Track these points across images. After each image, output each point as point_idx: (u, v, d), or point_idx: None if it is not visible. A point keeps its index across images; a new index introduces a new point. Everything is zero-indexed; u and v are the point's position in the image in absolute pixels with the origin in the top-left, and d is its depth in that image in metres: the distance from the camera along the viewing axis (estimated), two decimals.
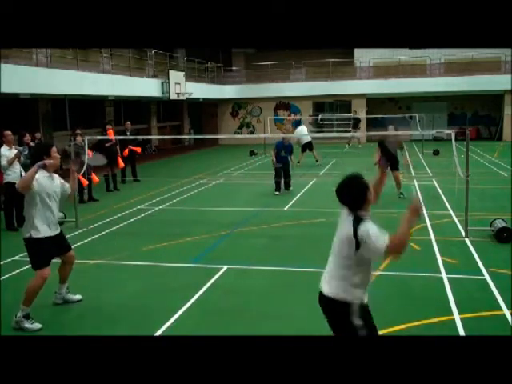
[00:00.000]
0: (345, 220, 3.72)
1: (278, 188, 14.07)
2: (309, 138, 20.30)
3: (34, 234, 5.65)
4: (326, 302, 3.75)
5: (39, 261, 5.69)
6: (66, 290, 6.40)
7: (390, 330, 5.35)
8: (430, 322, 5.56)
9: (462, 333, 5.26)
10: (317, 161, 20.79)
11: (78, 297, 6.45)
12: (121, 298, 6.54)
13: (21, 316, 5.60)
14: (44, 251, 5.71)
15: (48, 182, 5.76)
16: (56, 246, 5.92)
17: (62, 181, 6.12)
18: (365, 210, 3.71)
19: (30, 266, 5.96)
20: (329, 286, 3.75)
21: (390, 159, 12.32)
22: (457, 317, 5.65)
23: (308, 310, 5.97)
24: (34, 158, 5.90)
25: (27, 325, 5.59)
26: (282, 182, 14.25)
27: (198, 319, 5.85)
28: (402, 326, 5.44)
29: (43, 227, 5.69)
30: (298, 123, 22.31)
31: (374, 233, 3.50)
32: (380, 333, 5.25)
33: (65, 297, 6.36)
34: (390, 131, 13.23)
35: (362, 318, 3.62)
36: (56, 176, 6.01)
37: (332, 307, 3.73)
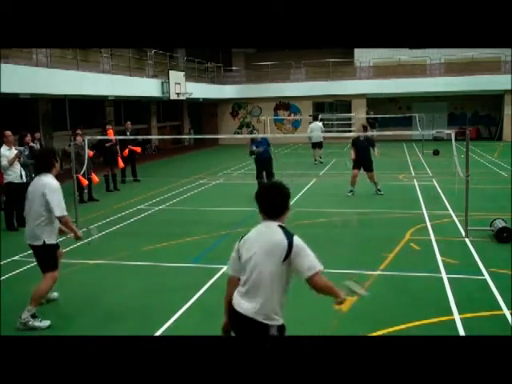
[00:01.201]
0: (263, 232, 3.61)
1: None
2: (318, 139, 20.16)
3: (48, 240, 5.81)
4: (246, 322, 3.44)
5: (53, 263, 5.88)
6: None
7: (390, 330, 5.35)
8: (429, 322, 5.56)
9: (462, 333, 5.26)
10: (315, 160, 20.79)
11: (56, 294, 6.47)
12: (121, 298, 6.54)
13: (28, 316, 5.66)
14: (53, 254, 5.92)
15: None
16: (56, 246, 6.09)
17: None
18: (284, 219, 3.68)
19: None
20: (251, 306, 3.45)
21: (363, 160, 13.03)
22: (457, 317, 5.65)
23: (308, 310, 5.97)
24: (41, 164, 5.93)
25: (36, 323, 5.67)
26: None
27: (198, 319, 5.86)
28: (402, 326, 5.44)
29: (54, 231, 5.92)
30: (315, 118, 21.98)
31: (310, 253, 3.49)
32: (380, 333, 5.28)
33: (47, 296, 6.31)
34: (361, 131, 13.80)
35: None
36: None
37: (252, 328, 3.42)
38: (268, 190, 3.75)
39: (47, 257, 5.85)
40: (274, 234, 3.54)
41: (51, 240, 5.84)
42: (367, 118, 28.65)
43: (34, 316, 5.70)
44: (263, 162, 12.99)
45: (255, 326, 3.38)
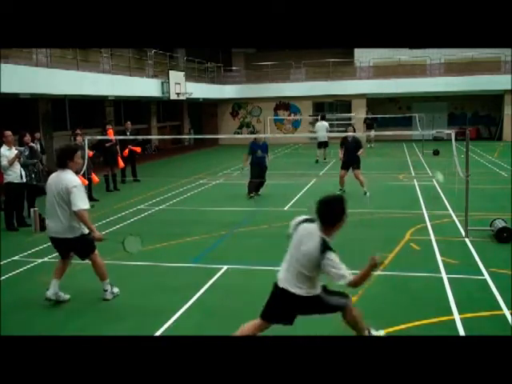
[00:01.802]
0: (308, 236, 4.18)
1: (250, 190, 13.15)
2: (324, 139, 20.25)
3: (84, 230, 6.14)
4: (294, 298, 4.26)
5: (93, 247, 6.29)
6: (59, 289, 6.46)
7: (390, 330, 5.35)
8: (429, 322, 5.56)
9: (462, 333, 5.26)
10: (317, 160, 20.81)
11: (68, 296, 6.51)
12: (121, 298, 6.54)
13: (108, 286, 6.43)
14: (91, 239, 6.27)
15: None
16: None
17: None
18: (335, 230, 4.21)
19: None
20: (295, 288, 4.24)
21: (351, 160, 13.14)
22: (457, 317, 5.65)
23: None
24: (58, 161, 6.17)
25: (115, 290, 6.54)
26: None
27: (198, 319, 5.85)
28: (402, 326, 5.44)
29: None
30: (323, 117, 22.29)
31: (338, 265, 4.05)
32: None
33: (58, 294, 6.38)
34: (349, 132, 14.00)
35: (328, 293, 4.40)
36: None
37: (303, 302, 4.28)
38: (324, 203, 4.20)
39: (87, 245, 6.21)
40: (313, 242, 4.12)
41: (85, 230, 6.12)
42: (365, 119, 28.67)
43: (112, 285, 6.48)
44: (261, 168, 13.34)
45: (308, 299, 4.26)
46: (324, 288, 4.44)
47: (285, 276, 4.33)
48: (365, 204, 12.07)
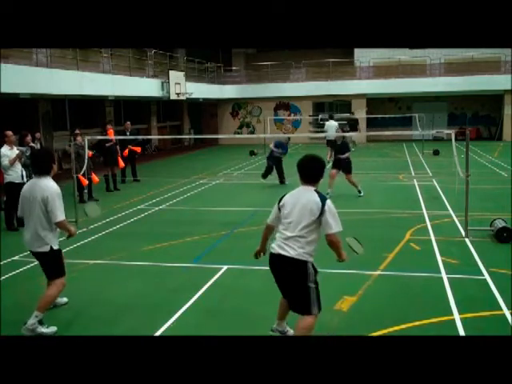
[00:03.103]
0: (302, 195, 4.56)
1: (265, 174, 15.36)
2: (332, 137, 20.42)
3: (56, 245, 5.66)
4: (287, 261, 4.50)
5: (61, 269, 5.75)
6: None
7: (390, 330, 5.35)
8: (429, 321, 5.56)
9: (462, 333, 5.26)
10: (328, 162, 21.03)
11: (65, 299, 6.34)
12: (121, 298, 6.54)
13: (35, 322, 5.48)
14: (62, 259, 5.81)
15: None
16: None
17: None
18: (317, 185, 4.68)
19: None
20: (290, 250, 4.49)
21: (340, 162, 12.98)
22: (457, 317, 5.65)
23: None
24: (43, 166, 5.63)
25: (44, 329, 5.50)
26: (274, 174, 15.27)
27: (198, 319, 5.85)
28: (402, 326, 5.44)
29: (57, 235, 5.74)
30: (331, 117, 22.82)
31: (336, 216, 4.48)
32: (380, 333, 5.28)
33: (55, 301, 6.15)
34: (339, 133, 14.15)
35: (315, 280, 4.58)
36: None
37: (293, 266, 4.50)
38: (309, 161, 4.68)
39: (56, 263, 5.68)
40: (313, 195, 4.51)
41: (57, 245, 5.66)
42: (348, 120, 28.64)
43: (40, 322, 5.53)
44: (277, 161, 15.35)
45: (297, 262, 4.49)
46: (315, 275, 4.61)
47: (279, 244, 4.59)
48: (361, 203, 12.08)
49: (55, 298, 5.81)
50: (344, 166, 13.03)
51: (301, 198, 4.54)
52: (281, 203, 4.69)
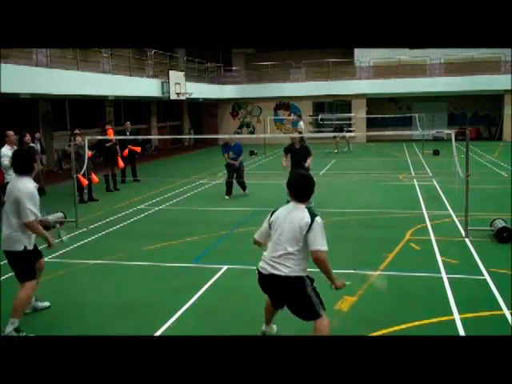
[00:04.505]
0: (292, 212, 4.49)
1: (228, 191, 13.27)
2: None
3: (28, 246, 5.46)
4: (282, 280, 4.43)
5: (31, 272, 5.53)
6: (35, 298, 6.08)
7: (390, 330, 5.35)
8: (429, 321, 5.56)
9: (462, 333, 5.26)
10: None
11: (47, 304, 6.16)
12: (121, 298, 6.54)
13: (11, 330, 5.32)
14: (33, 261, 5.60)
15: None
16: (35, 253, 5.75)
17: None
18: (307, 203, 4.61)
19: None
20: (283, 268, 4.42)
21: (295, 166, 10.77)
22: (457, 317, 5.65)
23: None
24: (23, 166, 5.47)
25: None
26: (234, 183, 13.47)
27: (198, 319, 5.85)
28: (402, 326, 5.44)
29: (32, 237, 5.53)
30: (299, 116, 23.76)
31: (323, 233, 4.41)
32: (380, 333, 5.28)
33: (34, 305, 6.07)
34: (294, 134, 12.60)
35: (312, 288, 4.53)
36: None
37: (290, 284, 4.44)
38: (298, 179, 4.69)
39: (25, 265, 5.47)
40: (303, 212, 4.46)
41: (30, 246, 5.46)
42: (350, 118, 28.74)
43: (17, 330, 5.34)
44: (233, 168, 13.37)
45: (293, 279, 4.43)
46: (312, 284, 4.56)
47: (270, 264, 4.51)
48: (361, 203, 12.08)
49: (27, 302, 5.56)
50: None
51: (291, 216, 4.47)
52: (271, 219, 4.62)
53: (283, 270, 4.41)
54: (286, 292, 4.53)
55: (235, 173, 13.44)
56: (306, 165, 10.98)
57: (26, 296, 5.48)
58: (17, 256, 5.42)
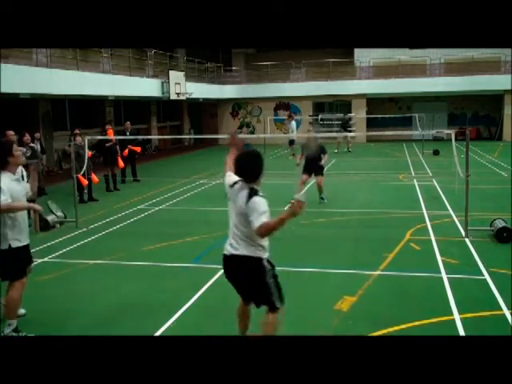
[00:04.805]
0: (239, 192, 4.31)
1: None
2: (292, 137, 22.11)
3: (15, 244, 5.27)
4: (240, 260, 4.37)
5: (20, 271, 5.38)
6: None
7: (390, 330, 5.35)
8: (429, 321, 5.56)
9: (462, 333, 5.26)
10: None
11: (22, 311, 5.82)
12: (121, 298, 6.54)
13: (10, 331, 5.26)
14: (23, 260, 5.46)
15: (17, 187, 5.34)
16: (28, 255, 5.61)
17: (24, 182, 5.83)
18: (259, 182, 4.37)
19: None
20: (241, 248, 4.35)
21: (311, 166, 12.01)
22: (457, 317, 5.65)
23: (308, 310, 5.98)
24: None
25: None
26: None
27: (198, 319, 5.85)
28: (402, 326, 5.44)
29: (21, 235, 5.36)
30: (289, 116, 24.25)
31: (258, 210, 4.13)
32: (380, 333, 5.28)
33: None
34: (310, 134, 12.93)
35: (269, 270, 4.44)
36: (20, 177, 5.67)
37: (247, 264, 4.37)
38: (246, 159, 4.38)
39: (14, 262, 5.29)
40: (245, 192, 4.27)
41: (17, 243, 5.28)
42: (350, 118, 28.67)
43: (16, 330, 5.29)
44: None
45: (251, 261, 4.37)
46: (273, 272, 4.50)
47: (231, 243, 4.46)
48: (361, 203, 12.07)
49: (18, 301, 5.40)
50: (319, 169, 12.18)
51: (237, 196, 4.35)
52: (228, 190, 4.53)
53: (242, 251, 4.35)
54: (245, 275, 4.46)
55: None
56: (323, 162, 12.11)
57: (17, 295, 5.35)
58: (2, 254, 5.25)
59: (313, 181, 13.02)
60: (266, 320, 4.53)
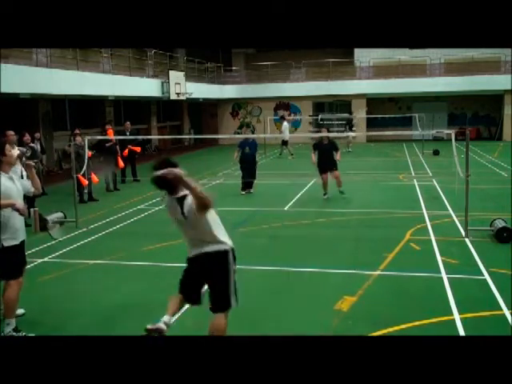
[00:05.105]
0: (173, 202, 4.51)
1: (244, 187, 13.83)
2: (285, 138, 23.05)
3: (10, 242, 5.24)
4: (211, 256, 4.63)
5: (15, 270, 5.33)
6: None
7: (390, 330, 5.35)
8: (429, 321, 5.56)
9: (462, 333, 5.26)
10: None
11: (21, 311, 5.83)
12: (121, 298, 6.54)
13: (10, 331, 5.24)
14: (19, 259, 5.40)
15: (12, 186, 5.36)
16: (23, 253, 5.55)
17: (25, 179, 5.81)
18: (181, 189, 4.41)
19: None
20: (209, 246, 4.60)
21: (326, 163, 12.45)
22: (457, 317, 5.65)
23: (308, 310, 5.98)
24: None
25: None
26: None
27: (198, 319, 5.85)
28: (402, 326, 5.44)
29: (18, 233, 5.33)
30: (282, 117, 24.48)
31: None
32: (380, 333, 5.28)
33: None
34: (323, 132, 13.21)
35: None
36: (15, 176, 5.66)
37: (217, 259, 4.64)
38: (157, 181, 4.39)
39: (9, 261, 5.22)
40: (188, 198, 4.48)
41: (10, 241, 5.23)
42: (350, 119, 28.69)
43: (16, 330, 5.27)
44: (248, 162, 13.87)
45: (218, 254, 4.66)
46: (234, 271, 4.78)
47: (196, 245, 4.71)
48: (361, 203, 12.08)
49: (15, 301, 5.36)
50: (335, 165, 12.49)
51: (177, 207, 4.54)
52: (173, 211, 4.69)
53: (211, 247, 4.63)
54: (211, 268, 4.71)
55: (249, 168, 13.83)
56: (337, 157, 12.49)
57: (14, 294, 5.31)
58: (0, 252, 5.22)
59: (313, 180, 13.02)
60: (214, 323, 4.74)
